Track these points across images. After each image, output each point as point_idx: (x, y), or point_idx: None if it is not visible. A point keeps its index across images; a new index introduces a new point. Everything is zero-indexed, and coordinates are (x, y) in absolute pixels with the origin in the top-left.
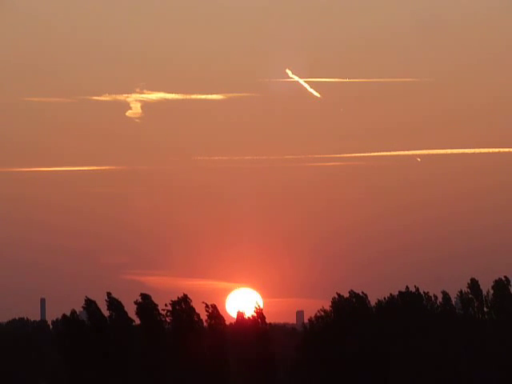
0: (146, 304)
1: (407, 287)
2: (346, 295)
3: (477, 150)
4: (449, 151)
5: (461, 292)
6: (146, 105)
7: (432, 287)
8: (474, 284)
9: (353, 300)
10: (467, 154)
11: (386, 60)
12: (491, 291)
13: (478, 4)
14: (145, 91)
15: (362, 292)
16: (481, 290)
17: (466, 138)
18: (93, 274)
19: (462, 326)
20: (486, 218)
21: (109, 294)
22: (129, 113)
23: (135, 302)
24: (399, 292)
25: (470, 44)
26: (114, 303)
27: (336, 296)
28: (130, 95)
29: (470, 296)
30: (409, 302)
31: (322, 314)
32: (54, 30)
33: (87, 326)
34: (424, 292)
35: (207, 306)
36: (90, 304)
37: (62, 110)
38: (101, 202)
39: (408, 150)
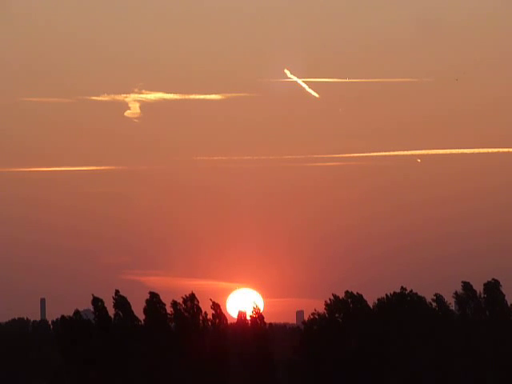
0: (154, 303)
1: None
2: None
3: (476, 150)
4: (448, 151)
5: (456, 293)
6: (144, 105)
7: (431, 288)
8: (466, 286)
9: (348, 301)
10: (467, 154)
11: (385, 60)
12: (483, 293)
13: (477, 4)
14: (143, 91)
15: (357, 292)
16: (475, 291)
17: (466, 138)
18: (93, 274)
19: (457, 327)
20: (486, 218)
21: (117, 291)
22: (127, 113)
23: (146, 301)
24: (394, 292)
25: (469, 44)
26: (121, 302)
27: (332, 297)
28: (128, 95)
29: (466, 297)
30: (405, 303)
31: (317, 316)
32: (52, 31)
33: (92, 325)
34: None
35: (214, 303)
36: (97, 302)
37: (60, 110)
38: (101, 202)
39: (408, 150)
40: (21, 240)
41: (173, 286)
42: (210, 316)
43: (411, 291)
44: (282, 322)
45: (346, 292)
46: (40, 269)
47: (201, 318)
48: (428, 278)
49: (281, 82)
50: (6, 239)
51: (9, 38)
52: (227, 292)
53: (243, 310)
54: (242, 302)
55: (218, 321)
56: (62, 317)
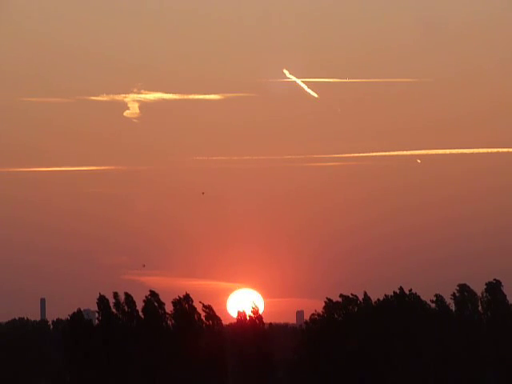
0: (152, 302)
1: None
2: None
3: (476, 150)
4: (448, 151)
5: (454, 295)
6: (143, 105)
7: (432, 289)
8: (463, 288)
9: (345, 303)
10: (467, 154)
11: (384, 60)
12: (485, 293)
13: (477, 5)
14: (142, 91)
15: (352, 294)
16: (474, 293)
17: (466, 138)
18: (93, 274)
19: (457, 327)
20: (486, 218)
21: (116, 293)
22: (127, 113)
23: (144, 301)
24: (394, 293)
25: (469, 45)
26: (126, 301)
27: (326, 300)
28: (127, 95)
29: (464, 298)
30: (404, 303)
31: (317, 317)
32: (52, 31)
33: (96, 324)
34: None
35: (204, 306)
36: (102, 301)
37: (60, 110)
38: (100, 202)
39: (408, 150)
40: (21, 240)
41: (173, 286)
42: (203, 318)
43: (410, 291)
44: (282, 322)
45: (341, 295)
46: (40, 269)
47: (196, 318)
48: (429, 278)
49: (280, 82)
50: (5, 239)
51: (9, 38)
52: (227, 292)
53: (242, 310)
54: (242, 302)
55: (211, 322)
56: (73, 314)
